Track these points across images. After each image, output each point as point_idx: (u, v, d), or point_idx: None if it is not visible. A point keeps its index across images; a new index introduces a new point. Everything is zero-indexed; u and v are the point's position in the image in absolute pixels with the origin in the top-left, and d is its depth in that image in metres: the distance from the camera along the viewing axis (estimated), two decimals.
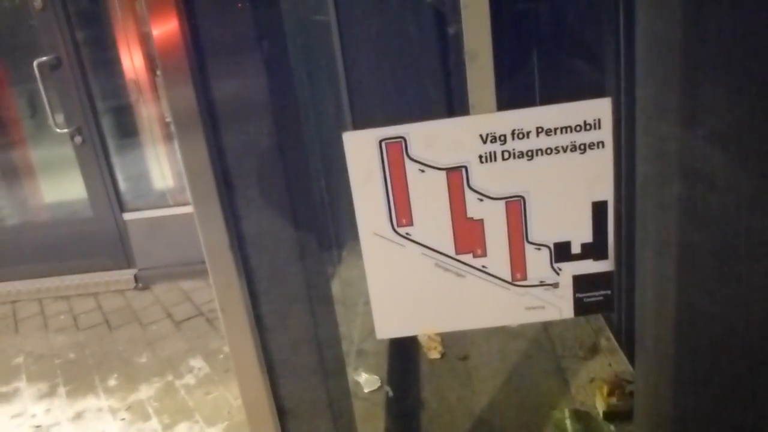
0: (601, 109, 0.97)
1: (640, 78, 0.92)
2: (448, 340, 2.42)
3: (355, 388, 2.02)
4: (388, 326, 1.09)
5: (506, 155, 0.99)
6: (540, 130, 0.98)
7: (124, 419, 2.40)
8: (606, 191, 1.01)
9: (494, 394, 2.14)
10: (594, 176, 1.00)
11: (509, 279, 1.06)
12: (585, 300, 1.07)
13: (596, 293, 1.07)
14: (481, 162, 0.99)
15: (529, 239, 1.04)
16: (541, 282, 1.06)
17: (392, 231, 1.04)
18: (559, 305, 1.07)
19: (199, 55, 0.96)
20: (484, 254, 1.05)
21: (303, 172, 1.15)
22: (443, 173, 1.00)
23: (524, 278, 1.06)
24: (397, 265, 1.05)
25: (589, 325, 2.18)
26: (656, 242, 0.94)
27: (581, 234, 1.03)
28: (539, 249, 1.04)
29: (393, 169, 1.00)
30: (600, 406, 1.84)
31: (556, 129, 0.97)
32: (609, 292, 1.07)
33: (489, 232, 1.03)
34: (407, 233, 1.04)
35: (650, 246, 0.96)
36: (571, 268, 1.05)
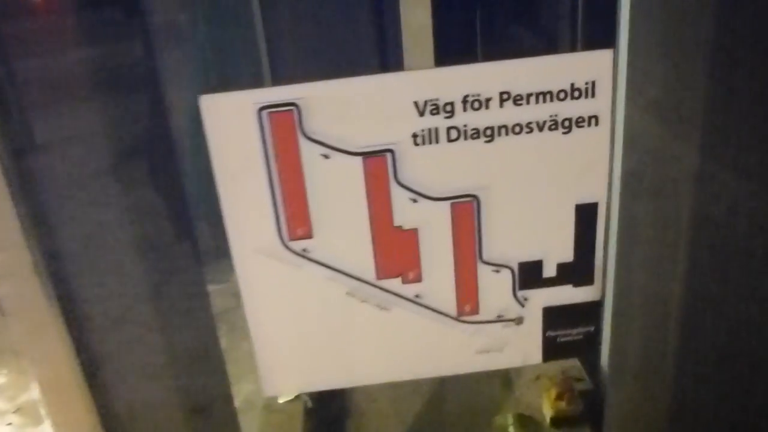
0: (597, 65, 0.64)
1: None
2: None
3: (269, 400, 1.69)
4: (280, 380, 0.75)
5: (454, 134, 0.65)
6: (505, 96, 0.64)
7: None
8: (597, 189, 0.69)
9: (429, 398, 1.86)
10: (581, 167, 0.68)
11: (454, 313, 0.73)
12: (559, 340, 0.76)
13: (574, 331, 0.76)
14: (416, 144, 0.65)
15: (484, 257, 0.71)
16: (499, 316, 0.74)
17: (282, 246, 0.69)
18: (523, 347, 0.76)
19: None
20: (417, 278, 0.71)
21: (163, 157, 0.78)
22: (358, 161, 0.65)
23: (475, 311, 0.74)
24: (289, 294, 0.71)
25: None
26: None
27: (558, 250, 0.71)
28: (497, 271, 0.72)
29: (281, 153, 0.65)
30: (547, 411, 1.57)
31: (529, 95, 0.64)
32: (592, 328, 0.76)
33: (426, 248, 0.70)
34: (304, 249, 0.69)
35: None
36: (542, 298, 0.73)
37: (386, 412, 1.74)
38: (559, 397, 1.51)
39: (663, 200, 0.74)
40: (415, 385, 1.85)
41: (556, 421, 1.50)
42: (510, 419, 1.57)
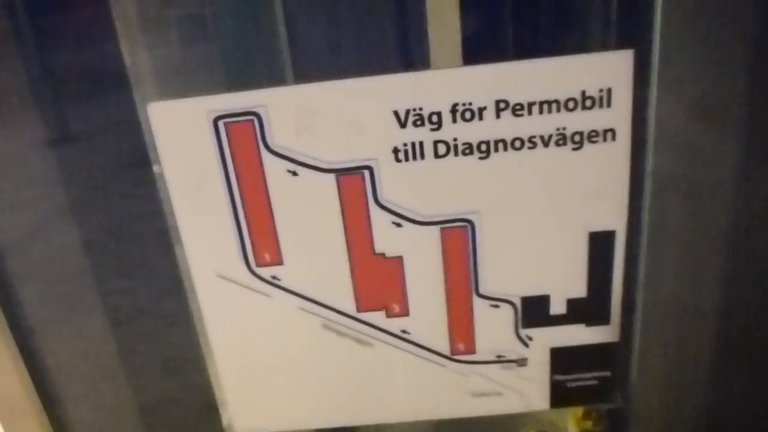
0: (614, 69, 0.53)
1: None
2: None
3: None
4: (250, 418, 0.67)
5: (442, 149, 0.56)
6: (503, 105, 0.54)
7: None
8: (614, 215, 0.58)
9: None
10: (595, 189, 0.57)
11: (446, 351, 0.64)
12: (568, 385, 0.66)
13: (586, 375, 0.65)
14: (398, 160, 0.56)
15: (481, 291, 0.61)
16: (499, 357, 0.64)
17: (248, 272, 0.61)
18: (526, 391, 0.66)
19: None
20: (404, 312, 0.62)
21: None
22: (331, 179, 0.57)
23: (471, 350, 0.64)
24: (259, 325, 0.63)
25: None
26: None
27: (568, 284, 0.61)
28: (496, 306, 0.62)
29: (242, 169, 0.57)
30: (573, 431, 1.47)
31: (531, 105, 0.54)
32: (608, 373, 0.65)
33: (413, 278, 0.61)
34: (273, 277, 0.61)
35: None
36: (549, 337, 0.63)
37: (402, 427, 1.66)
38: (585, 416, 1.42)
39: (699, 206, 0.63)
40: None
41: None
42: None
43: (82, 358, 0.76)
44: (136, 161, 0.62)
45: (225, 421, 0.66)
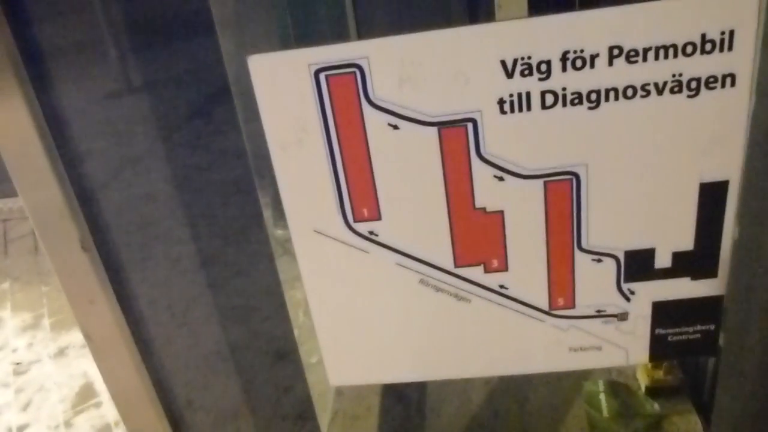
0: (738, 8, 0.50)
1: None
2: None
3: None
4: (346, 370, 0.68)
5: (550, 100, 0.54)
6: (616, 52, 0.51)
7: None
8: (729, 165, 0.56)
9: None
10: (710, 137, 0.55)
11: (545, 306, 0.63)
12: (670, 339, 0.65)
13: (690, 329, 0.64)
14: (503, 111, 0.54)
15: (583, 245, 0.60)
16: (599, 311, 0.63)
17: (346, 228, 0.60)
18: (626, 345, 0.65)
19: None
20: (503, 267, 0.61)
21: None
22: (433, 132, 0.55)
23: (570, 305, 0.63)
24: (356, 280, 0.63)
25: None
26: None
27: (675, 237, 0.59)
28: (599, 260, 0.60)
29: (342, 122, 0.56)
30: (642, 380, 1.46)
31: (646, 51, 0.51)
32: (712, 327, 0.64)
33: (513, 233, 0.60)
34: (371, 232, 0.61)
35: None
36: (652, 291, 0.62)
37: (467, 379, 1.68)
38: (655, 365, 1.40)
39: None
40: None
41: (651, 390, 1.39)
42: (601, 386, 1.48)
43: (157, 306, 0.78)
44: (201, 111, 0.61)
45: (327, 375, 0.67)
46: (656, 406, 1.40)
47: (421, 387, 1.58)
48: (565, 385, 1.50)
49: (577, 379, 1.51)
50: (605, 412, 1.26)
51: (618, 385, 1.44)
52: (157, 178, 0.70)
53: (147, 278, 0.74)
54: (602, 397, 1.46)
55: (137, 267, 0.73)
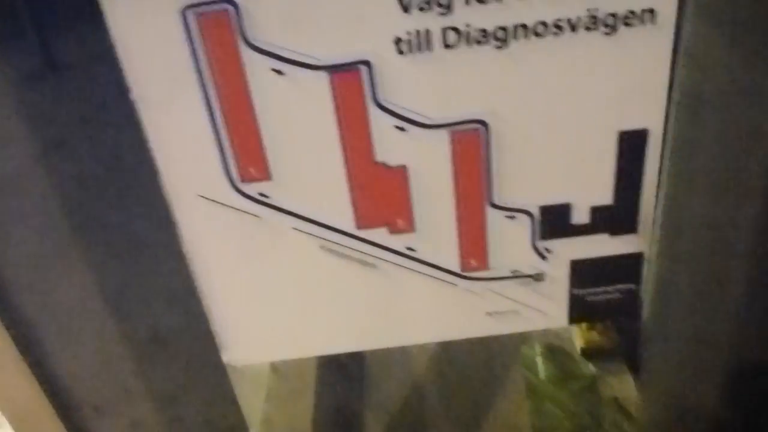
0: None
1: None
2: None
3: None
4: (244, 347, 0.62)
5: (452, 38, 0.47)
6: None
7: None
8: (650, 111, 0.51)
9: None
10: (629, 81, 0.50)
11: (457, 268, 0.58)
12: (588, 299, 0.61)
13: (609, 289, 0.60)
14: (401, 52, 0.48)
15: (495, 200, 0.55)
16: (514, 272, 0.59)
17: (233, 191, 0.53)
18: (544, 308, 0.61)
19: None
20: (409, 228, 0.56)
21: None
22: (323, 77, 0.48)
23: (484, 267, 0.58)
24: (248, 249, 0.56)
25: None
26: None
27: (593, 190, 0.55)
28: (512, 217, 0.56)
29: (218, 69, 0.48)
30: (578, 342, 1.48)
31: None
32: (632, 286, 0.60)
33: (418, 189, 0.54)
34: (262, 194, 0.54)
35: None
36: (570, 249, 0.58)
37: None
38: (591, 326, 1.41)
39: (724, 121, 0.56)
40: None
41: (587, 352, 1.41)
42: (538, 349, 1.49)
43: (80, 293, 0.70)
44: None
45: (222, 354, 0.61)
46: (591, 367, 1.41)
47: (359, 358, 1.54)
48: (504, 350, 1.50)
49: (516, 342, 1.51)
50: (542, 375, 1.28)
51: (554, 348, 1.45)
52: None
53: (34, 285, 0.66)
54: (539, 360, 1.47)
55: (23, 276, 0.65)
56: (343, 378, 1.36)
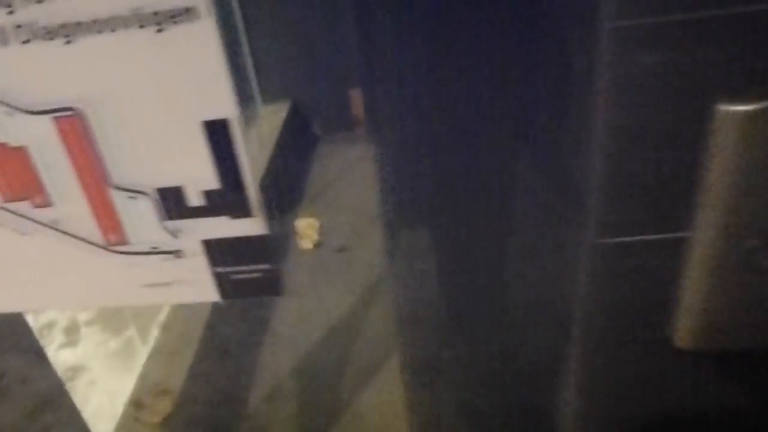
0: None
1: None
2: (325, 227, 2.06)
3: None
4: None
5: (25, 35, 0.53)
6: None
7: None
8: (224, 103, 0.56)
9: (371, 288, 1.81)
10: (195, 75, 0.54)
11: (101, 242, 0.64)
12: (232, 278, 0.65)
13: (248, 268, 0.65)
14: None
15: (115, 181, 0.60)
16: (154, 248, 0.64)
17: None
18: (193, 283, 0.66)
19: None
20: (47, 203, 0.62)
21: None
22: None
23: (124, 241, 0.64)
24: None
25: None
26: None
27: (198, 175, 0.59)
28: (134, 198, 0.61)
29: None
30: None
31: None
32: (268, 266, 0.64)
33: (43, 168, 0.60)
34: None
35: None
36: (197, 230, 0.62)
37: (325, 303, 1.74)
38: None
39: None
40: (358, 277, 1.83)
41: None
42: None
43: None
44: None
45: None
46: None
47: (243, 327, 1.61)
48: (390, 332, 1.53)
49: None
50: None
51: None
52: None
53: None
54: None
55: None
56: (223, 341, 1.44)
